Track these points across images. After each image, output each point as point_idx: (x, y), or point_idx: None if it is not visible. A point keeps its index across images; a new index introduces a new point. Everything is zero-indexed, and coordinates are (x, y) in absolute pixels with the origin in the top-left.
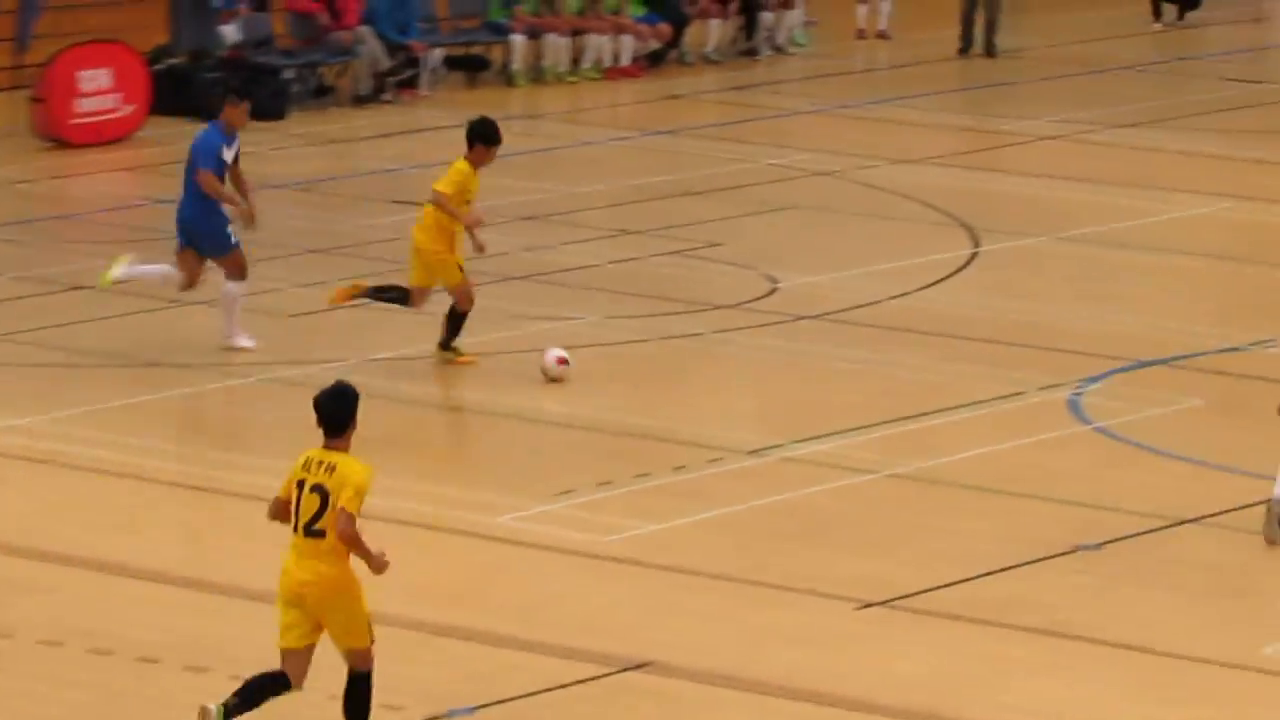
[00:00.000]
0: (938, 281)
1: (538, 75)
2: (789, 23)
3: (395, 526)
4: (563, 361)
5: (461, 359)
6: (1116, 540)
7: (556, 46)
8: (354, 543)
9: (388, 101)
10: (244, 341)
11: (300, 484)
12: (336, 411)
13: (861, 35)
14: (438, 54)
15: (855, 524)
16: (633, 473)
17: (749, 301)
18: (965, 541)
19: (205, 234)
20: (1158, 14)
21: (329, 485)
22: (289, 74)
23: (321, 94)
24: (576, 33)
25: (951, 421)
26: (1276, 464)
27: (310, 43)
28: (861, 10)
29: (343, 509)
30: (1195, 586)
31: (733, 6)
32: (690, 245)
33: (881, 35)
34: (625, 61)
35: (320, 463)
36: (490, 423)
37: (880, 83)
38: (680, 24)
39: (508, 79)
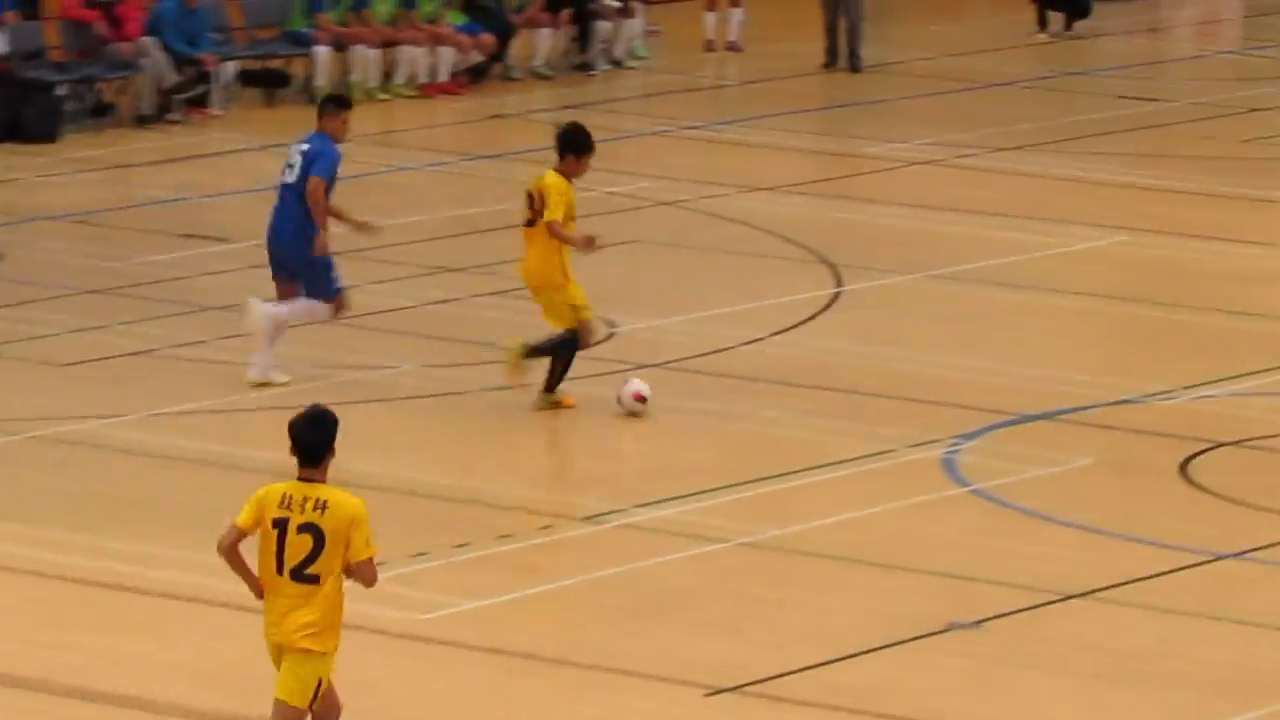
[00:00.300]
0: (796, 325)
1: (344, 92)
2: (628, 33)
3: (181, 604)
4: (640, 398)
5: (567, 401)
6: (996, 617)
7: (365, 60)
8: (374, 583)
9: (175, 122)
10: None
11: (281, 523)
12: (315, 439)
13: (710, 47)
14: (231, 68)
15: (704, 600)
16: (452, 542)
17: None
18: (827, 619)
19: (306, 267)
20: (1043, 23)
21: (324, 526)
22: (62, 90)
23: (99, 113)
24: (388, 44)
25: (812, 483)
26: (1176, 531)
27: (86, 55)
28: (710, 19)
29: (365, 561)
30: (1084, 669)
31: (564, 15)
32: (518, 285)
33: (732, 47)
34: (443, 77)
35: (305, 499)
36: None
37: (731, 101)
38: (505, 34)
39: (311, 96)
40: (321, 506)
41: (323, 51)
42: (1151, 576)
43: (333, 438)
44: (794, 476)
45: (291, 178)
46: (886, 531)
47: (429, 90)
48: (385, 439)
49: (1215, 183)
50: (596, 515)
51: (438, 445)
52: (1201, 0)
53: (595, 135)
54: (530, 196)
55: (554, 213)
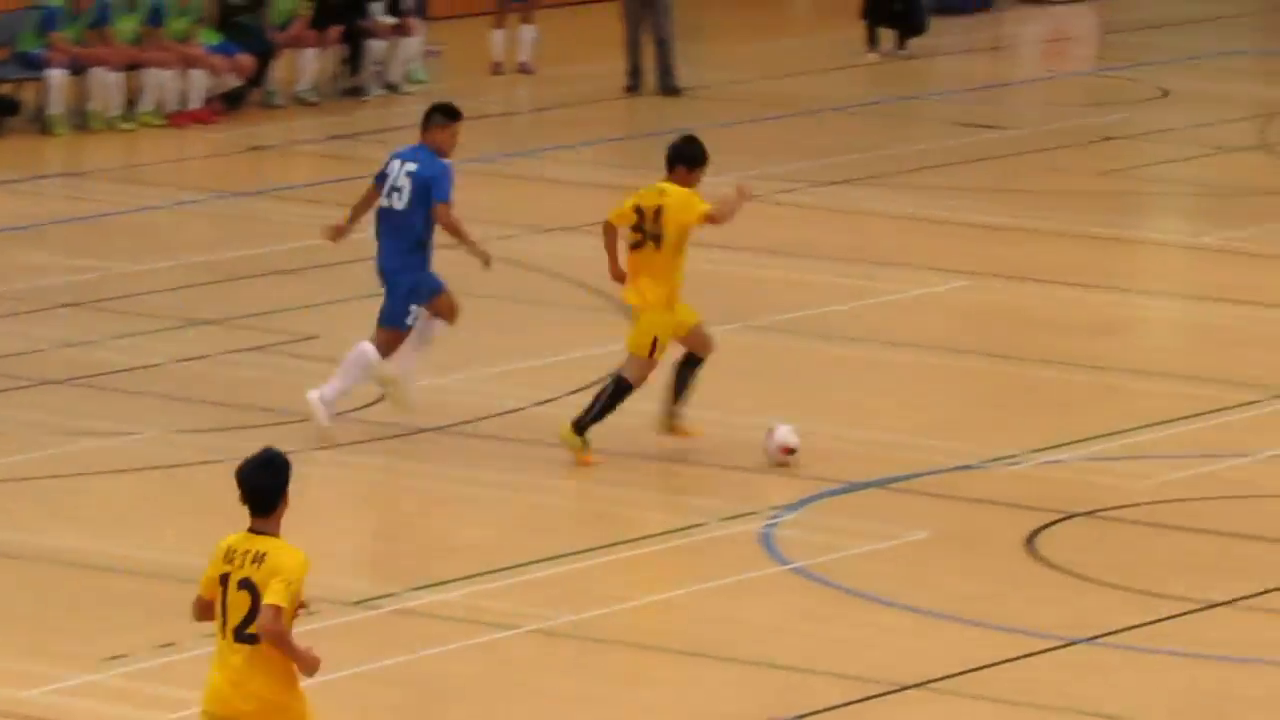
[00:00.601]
0: (594, 384)
1: (82, 121)
2: (405, 54)
3: None
4: (788, 450)
5: (688, 432)
6: (821, 712)
7: (106, 84)
8: (280, 640)
9: None
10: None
11: (224, 579)
12: (264, 486)
13: (498, 70)
14: None
15: (490, 694)
16: (202, 631)
17: (352, 410)
18: (629, 715)
19: (392, 291)
20: (873, 42)
21: (257, 579)
22: None
23: None
24: (132, 66)
25: (612, 561)
26: (1022, 613)
27: None
28: (497, 37)
29: (268, 605)
30: None
31: (333, 33)
32: (278, 339)
33: (523, 69)
34: (195, 103)
35: (246, 552)
36: (19, 568)
37: (521, 130)
38: (266, 55)
39: (43, 126)
40: (260, 559)
41: (57, 75)
42: (995, 664)
43: (284, 484)
44: (592, 554)
45: (400, 204)
46: (697, 615)
47: (179, 119)
48: (125, 515)
49: (1065, 220)
50: (367, 599)
51: (185, 521)
52: (1049, 16)
53: (367, 170)
54: (640, 214)
55: (701, 204)
